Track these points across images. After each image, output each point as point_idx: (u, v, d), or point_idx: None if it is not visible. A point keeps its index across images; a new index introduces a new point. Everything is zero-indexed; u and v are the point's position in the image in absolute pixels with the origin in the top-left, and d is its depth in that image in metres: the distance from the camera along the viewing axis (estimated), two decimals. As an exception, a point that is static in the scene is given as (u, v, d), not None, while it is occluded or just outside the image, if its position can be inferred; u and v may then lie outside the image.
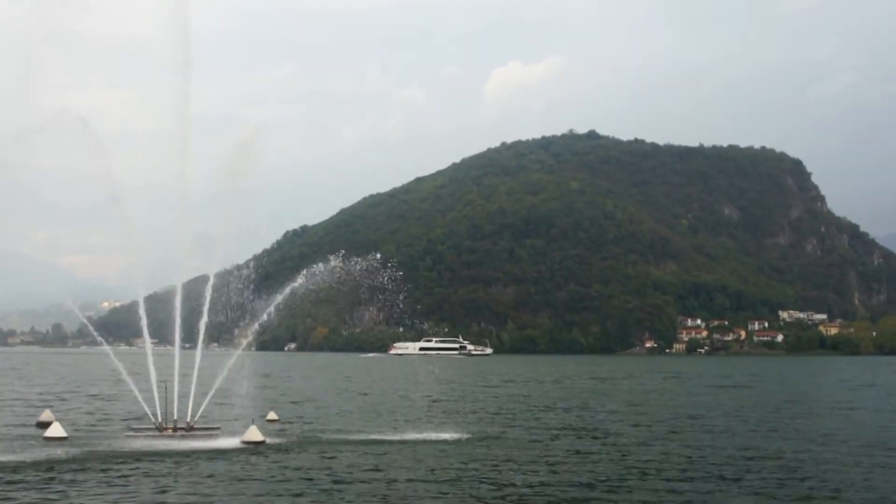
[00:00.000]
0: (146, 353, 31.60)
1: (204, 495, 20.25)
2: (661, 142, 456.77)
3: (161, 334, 33.17)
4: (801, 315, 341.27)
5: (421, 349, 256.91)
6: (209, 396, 31.78)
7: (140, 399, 31.43)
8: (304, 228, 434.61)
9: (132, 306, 37.12)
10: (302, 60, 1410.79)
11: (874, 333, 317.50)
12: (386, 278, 35.81)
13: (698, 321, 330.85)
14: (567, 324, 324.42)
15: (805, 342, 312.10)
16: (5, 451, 25.85)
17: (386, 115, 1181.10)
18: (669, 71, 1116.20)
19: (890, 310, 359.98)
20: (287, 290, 32.80)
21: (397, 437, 31.93)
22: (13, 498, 19.62)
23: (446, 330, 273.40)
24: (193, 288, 32.12)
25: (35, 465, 23.87)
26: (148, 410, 31.04)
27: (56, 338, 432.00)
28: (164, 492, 20.60)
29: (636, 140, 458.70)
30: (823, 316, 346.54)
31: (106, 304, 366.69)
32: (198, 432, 30.12)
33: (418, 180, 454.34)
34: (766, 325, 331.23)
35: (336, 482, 22.12)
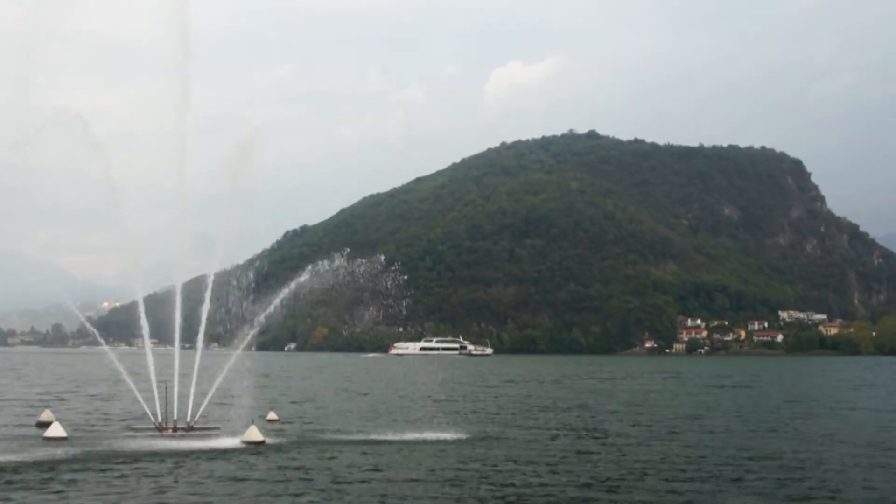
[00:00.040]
0: (146, 353, 31.61)
1: (204, 495, 20.25)
2: (661, 142, 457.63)
3: (161, 334, 33.17)
4: (801, 315, 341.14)
5: (421, 349, 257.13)
6: (209, 396, 31.80)
7: (140, 399, 31.45)
8: (304, 228, 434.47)
9: (132, 306, 37.10)
10: (302, 60, 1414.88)
11: (874, 333, 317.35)
12: (389, 282, 35.70)
13: (698, 321, 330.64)
14: (567, 324, 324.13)
15: (805, 342, 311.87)
16: (5, 451, 25.83)
17: (386, 115, 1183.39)
18: (669, 71, 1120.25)
19: (890, 310, 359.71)
20: (293, 284, 32.75)
21: (397, 437, 31.89)
22: (13, 498, 19.60)
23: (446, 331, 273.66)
24: (193, 288, 32.11)
25: (35, 465, 23.86)
26: (148, 410, 31.05)
27: (56, 338, 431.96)
28: (163, 492, 20.59)
29: (636, 140, 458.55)
30: (823, 316, 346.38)
31: (106, 304, 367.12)
32: (198, 432, 30.13)
33: (418, 180, 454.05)
34: (766, 325, 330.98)
35: (336, 482, 22.11)
